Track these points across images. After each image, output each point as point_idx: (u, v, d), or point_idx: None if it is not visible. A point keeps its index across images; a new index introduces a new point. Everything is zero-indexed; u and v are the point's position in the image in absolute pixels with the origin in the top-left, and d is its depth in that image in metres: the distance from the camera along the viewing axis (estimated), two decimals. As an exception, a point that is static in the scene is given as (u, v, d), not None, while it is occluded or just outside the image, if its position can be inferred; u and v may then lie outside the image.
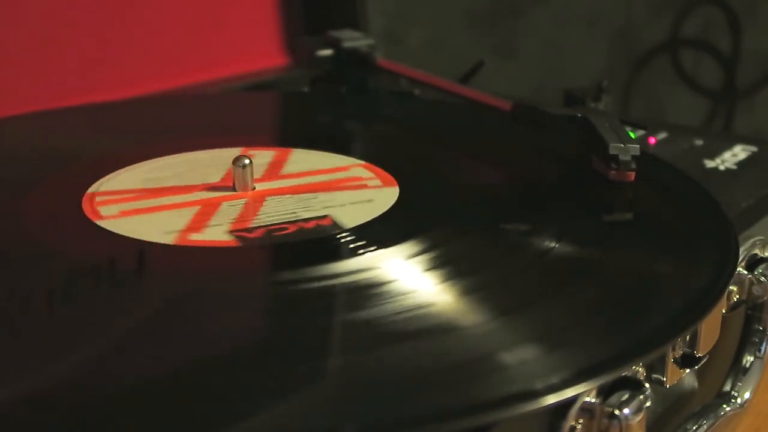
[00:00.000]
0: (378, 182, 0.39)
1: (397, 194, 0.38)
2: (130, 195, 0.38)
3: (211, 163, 0.42)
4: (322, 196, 0.38)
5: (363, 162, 0.42)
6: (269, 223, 0.35)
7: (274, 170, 0.41)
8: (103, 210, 0.36)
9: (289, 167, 0.41)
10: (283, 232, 0.34)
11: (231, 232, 0.34)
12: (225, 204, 0.37)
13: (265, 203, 0.37)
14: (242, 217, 0.36)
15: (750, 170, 0.45)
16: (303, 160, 0.43)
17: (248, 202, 0.37)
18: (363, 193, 0.38)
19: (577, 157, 0.41)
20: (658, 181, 0.41)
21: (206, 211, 0.36)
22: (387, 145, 0.47)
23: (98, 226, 0.35)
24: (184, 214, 0.36)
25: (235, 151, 0.42)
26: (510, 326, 0.28)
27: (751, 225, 0.39)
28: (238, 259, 0.33)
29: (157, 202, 0.37)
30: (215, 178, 0.40)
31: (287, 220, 0.35)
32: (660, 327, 0.28)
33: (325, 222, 0.35)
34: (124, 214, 0.36)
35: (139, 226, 0.35)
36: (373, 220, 0.35)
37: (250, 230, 0.34)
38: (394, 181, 0.39)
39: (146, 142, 0.46)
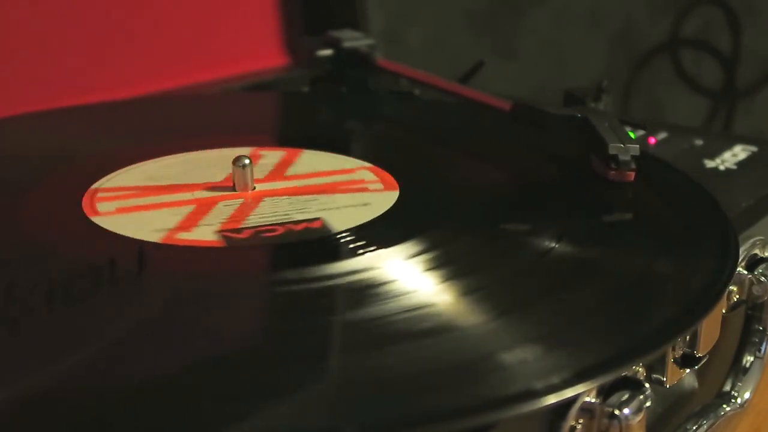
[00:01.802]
0: (380, 186, 0.39)
1: (396, 197, 0.38)
2: (130, 192, 0.38)
3: (214, 162, 0.42)
4: (322, 198, 0.38)
5: (369, 165, 0.42)
6: (259, 224, 0.35)
7: (279, 171, 0.41)
8: (101, 206, 0.36)
9: (295, 168, 0.41)
10: (270, 234, 0.34)
11: (219, 231, 0.34)
12: (221, 204, 0.37)
13: (261, 204, 0.37)
14: (235, 217, 0.35)
15: (750, 170, 0.45)
16: (310, 161, 0.42)
17: (245, 203, 0.37)
18: (362, 196, 0.38)
19: (577, 157, 0.41)
20: (658, 181, 0.41)
21: (201, 210, 0.36)
22: (387, 145, 0.47)
23: (97, 226, 0.35)
24: (178, 213, 0.36)
25: (240, 151, 0.42)
26: (510, 326, 0.28)
27: (751, 225, 0.39)
28: (229, 258, 0.33)
29: (155, 200, 0.37)
30: (217, 178, 0.40)
31: (278, 222, 0.35)
32: (660, 327, 0.28)
33: (315, 224, 0.35)
34: (121, 210, 0.36)
35: (132, 223, 0.35)
36: (372, 220, 0.35)
37: (238, 230, 0.34)
38: (396, 184, 0.39)
39: (146, 142, 0.46)
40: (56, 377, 0.25)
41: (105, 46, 0.62)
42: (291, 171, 0.41)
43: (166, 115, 0.53)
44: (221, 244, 0.33)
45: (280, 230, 0.34)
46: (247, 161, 0.38)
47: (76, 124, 0.50)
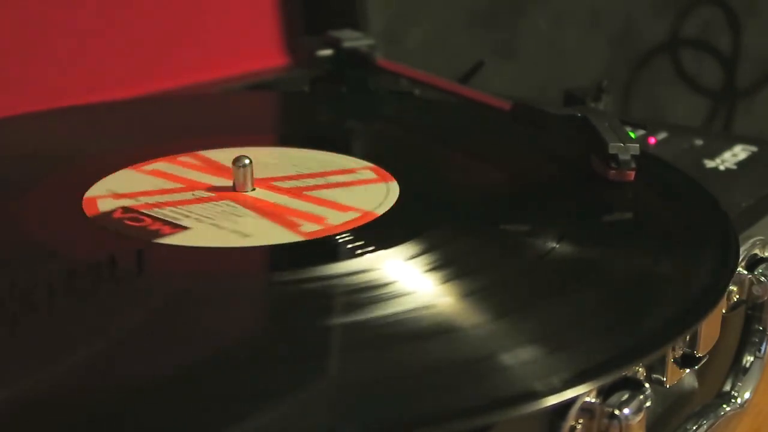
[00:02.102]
0: (315, 227, 0.34)
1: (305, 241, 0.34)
2: (193, 162, 0.42)
3: (299, 162, 0.42)
4: (248, 219, 0.35)
5: (379, 213, 0.36)
6: (149, 214, 0.36)
7: (314, 188, 0.39)
8: (151, 166, 0.41)
9: (334, 193, 0.38)
10: (133, 223, 0.35)
11: (122, 207, 0.36)
12: (193, 192, 0.38)
13: (211, 203, 0.37)
14: (165, 203, 0.37)
15: (750, 170, 0.45)
16: (367, 191, 0.38)
17: (205, 197, 0.38)
18: (273, 229, 0.35)
19: (577, 157, 0.41)
20: (658, 181, 0.41)
21: (172, 190, 0.38)
22: (387, 145, 0.47)
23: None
24: (157, 185, 0.39)
25: (345, 160, 0.42)
26: (510, 327, 0.28)
27: (751, 225, 0.39)
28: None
29: (180, 172, 0.40)
30: (260, 174, 0.39)
31: (160, 218, 0.35)
32: (660, 327, 0.28)
33: (169, 230, 0.34)
34: (149, 172, 0.40)
35: (123, 180, 0.39)
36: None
37: (129, 211, 0.36)
38: (341, 228, 0.34)
39: (146, 142, 0.46)
40: (56, 377, 0.25)
41: (105, 46, 0.62)
42: (325, 194, 0.38)
43: (166, 115, 0.53)
44: (94, 213, 0.35)
45: (144, 223, 0.35)
46: (247, 161, 0.38)
47: (76, 124, 0.50)
